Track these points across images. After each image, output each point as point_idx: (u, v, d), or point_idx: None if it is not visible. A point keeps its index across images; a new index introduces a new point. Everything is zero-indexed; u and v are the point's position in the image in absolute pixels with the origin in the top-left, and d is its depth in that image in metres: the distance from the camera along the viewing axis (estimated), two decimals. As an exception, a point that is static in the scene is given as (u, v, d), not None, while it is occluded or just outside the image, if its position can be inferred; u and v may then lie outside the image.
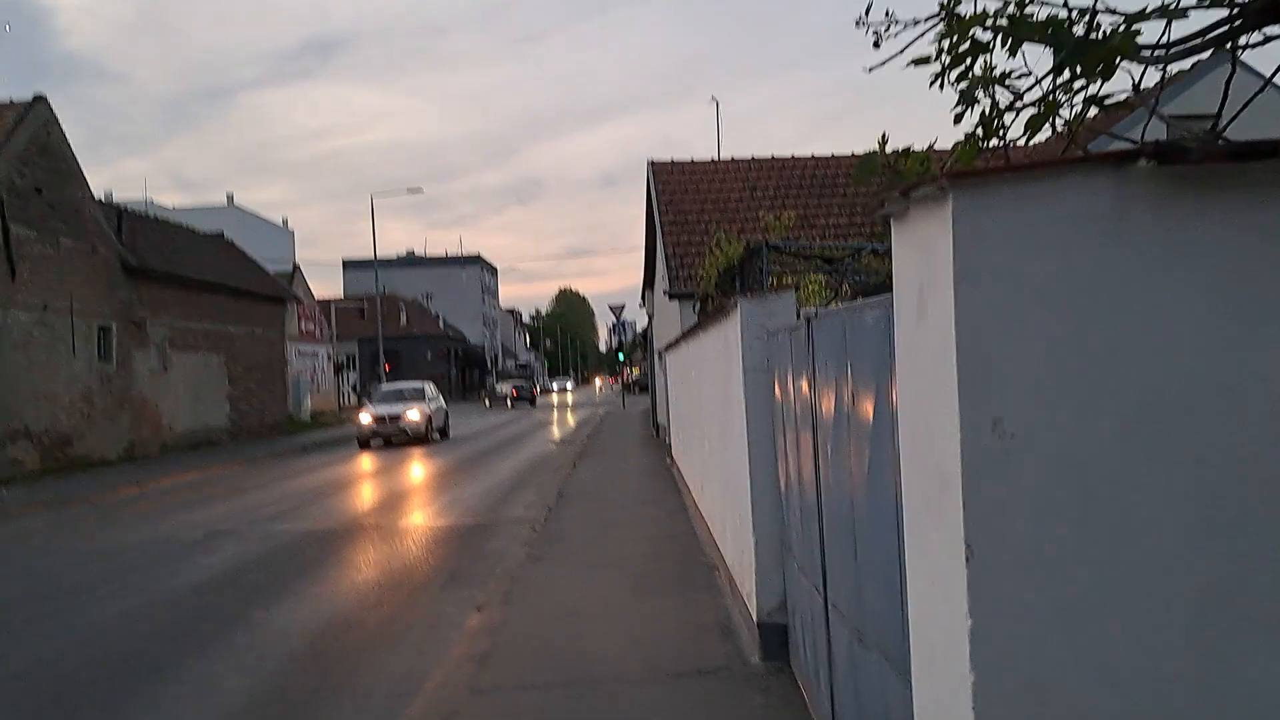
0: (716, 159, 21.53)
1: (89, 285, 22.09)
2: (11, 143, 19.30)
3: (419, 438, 25.62)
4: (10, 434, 18.93)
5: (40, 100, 20.79)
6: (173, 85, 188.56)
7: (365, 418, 25.80)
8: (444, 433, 28.18)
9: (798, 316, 5.10)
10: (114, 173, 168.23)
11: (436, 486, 16.65)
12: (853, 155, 21.32)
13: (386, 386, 29.81)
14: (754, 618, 5.55)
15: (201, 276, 27.93)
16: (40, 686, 6.30)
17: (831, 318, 3.49)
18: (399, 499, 15.13)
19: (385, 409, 26.01)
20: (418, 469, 19.87)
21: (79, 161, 21.83)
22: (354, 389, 63.43)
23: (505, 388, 60.95)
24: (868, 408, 2.96)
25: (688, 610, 6.93)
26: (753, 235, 11.07)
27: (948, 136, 2.98)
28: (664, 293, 18.40)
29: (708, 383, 8.16)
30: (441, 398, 29.37)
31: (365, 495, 15.93)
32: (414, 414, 25.69)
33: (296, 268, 47.33)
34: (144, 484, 18.19)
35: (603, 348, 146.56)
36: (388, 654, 6.59)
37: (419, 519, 12.90)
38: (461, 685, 5.55)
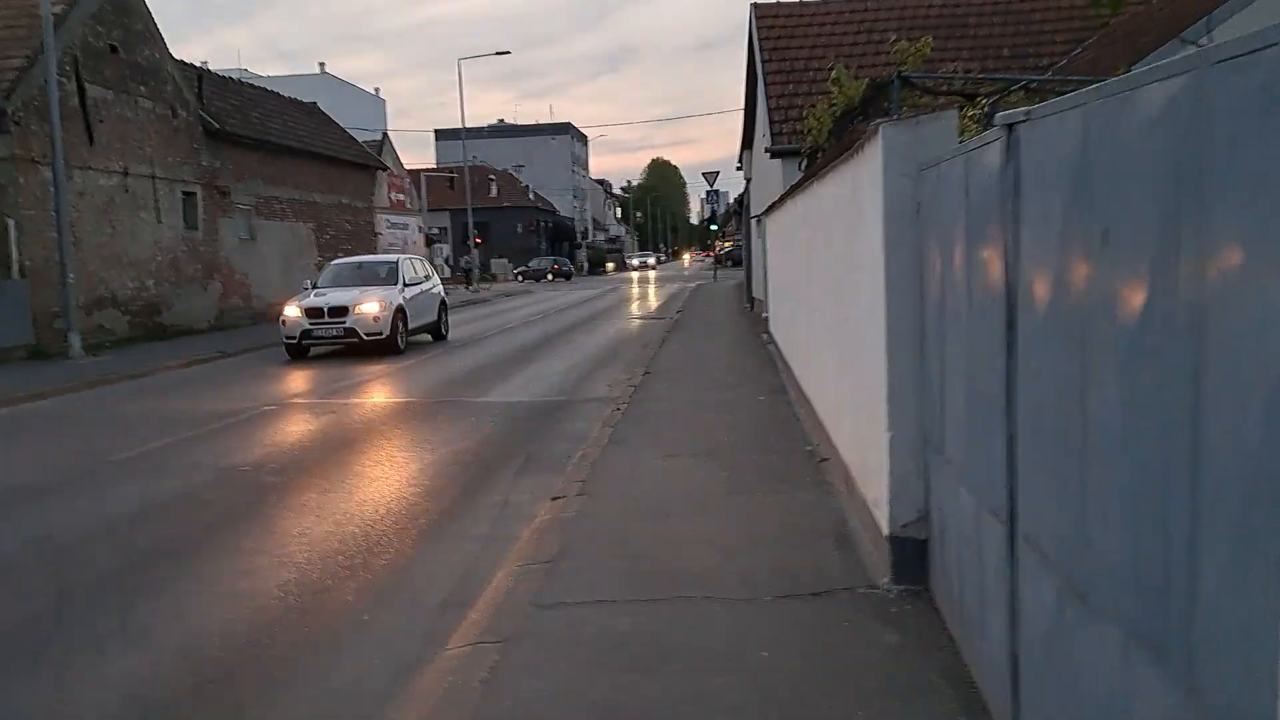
0: None
1: (171, 149, 21.56)
2: (83, 1, 18.48)
3: (377, 343, 16.48)
4: (96, 301, 18.80)
5: (112, -47, 19.84)
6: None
7: (292, 310, 16.66)
8: (435, 333, 19.16)
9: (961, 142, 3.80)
10: (213, 44, 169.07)
11: (514, 360, 15.86)
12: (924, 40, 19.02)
13: (340, 262, 20.09)
14: (883, 529, 4.45)
15: (287, 143, 27.26)
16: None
17: (1066, 115, 2.20)
18: (473, 376, 14.40)
19: (327, 298, 16.80)
20: (531, 331, 19.16)
21: (156, 21, 20.97)
22: (446, 261, 63.53)
23: (544, 263, 66.15)
24: (1140, 269, 1.75)
25: (794, 511, 5.87)
26: (875, 76, 9.50)
27: None
28: (765, 150, 16.81)
29: (822, 243, 6.88)
30: (436, 280, 20.18)
31: (439, 373, 15.25)
32: (369, 306, 16.47)
33: (386, 136, 46.49)
34: (228, 353, 17.94)
35: (694, 220, 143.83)
36: (447, 551, 5.76)
37: (496, 395, 12.10)
38: (525, 597, 4.65)
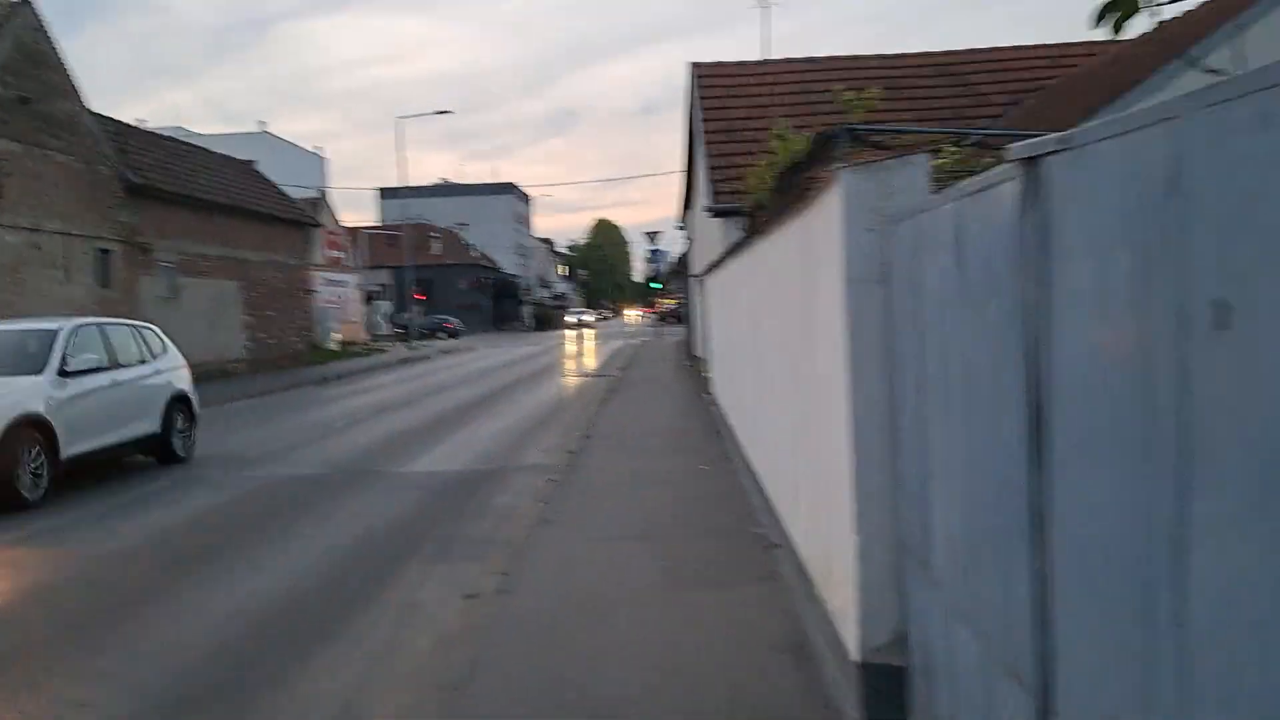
0: (766, 58, 19.22)
1: (86, 205, 20.45)
2: (-11, 46, 17.50)
3: None
4: (-3, 364, 17.49)
5: (24, 3, 18.92)
6: (213, 16, 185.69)
7: None
8: (160, 449, 11.60)
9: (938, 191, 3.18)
10: (155, 103, 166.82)
11: (445, 423, 14.97)
12: (928, 54, 18.91)
13: None
14: (851, 651, 3.72)
15: (214, 198, 26.20)
16: None
17: (1137, 138, 1.54)
18: (392, 443, 13.47)
19: None
20: (470, 390, 18.22)
21: (72, 73, 20.00)
22: (386, 318, 62.30)
23: (432, 320, 58.89)
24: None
25: (744, 614, 5.12)
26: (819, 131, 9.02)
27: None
28: (705, 210, 16.34)
29: (769, 306, 6.24)
30: (171, 361, 12.34)
31: (362, 438, 14.28)
32: None
33: (322, 194, 45.60)
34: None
35: (637, 278, 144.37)
36: (327, 674, 4.80)
37: (420, 465, 11.19)
38: (419, 736, 3.81)
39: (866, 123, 9.04)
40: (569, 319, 77.93)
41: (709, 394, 15.68)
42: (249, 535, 7.95)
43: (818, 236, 4.15)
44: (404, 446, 12.66)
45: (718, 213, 15.94)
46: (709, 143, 17.24)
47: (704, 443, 11.33)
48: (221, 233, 26.82)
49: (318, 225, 37.85)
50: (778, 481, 6.57)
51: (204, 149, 30.37)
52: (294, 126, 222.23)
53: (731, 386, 11.06)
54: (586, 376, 24.00)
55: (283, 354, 30.55)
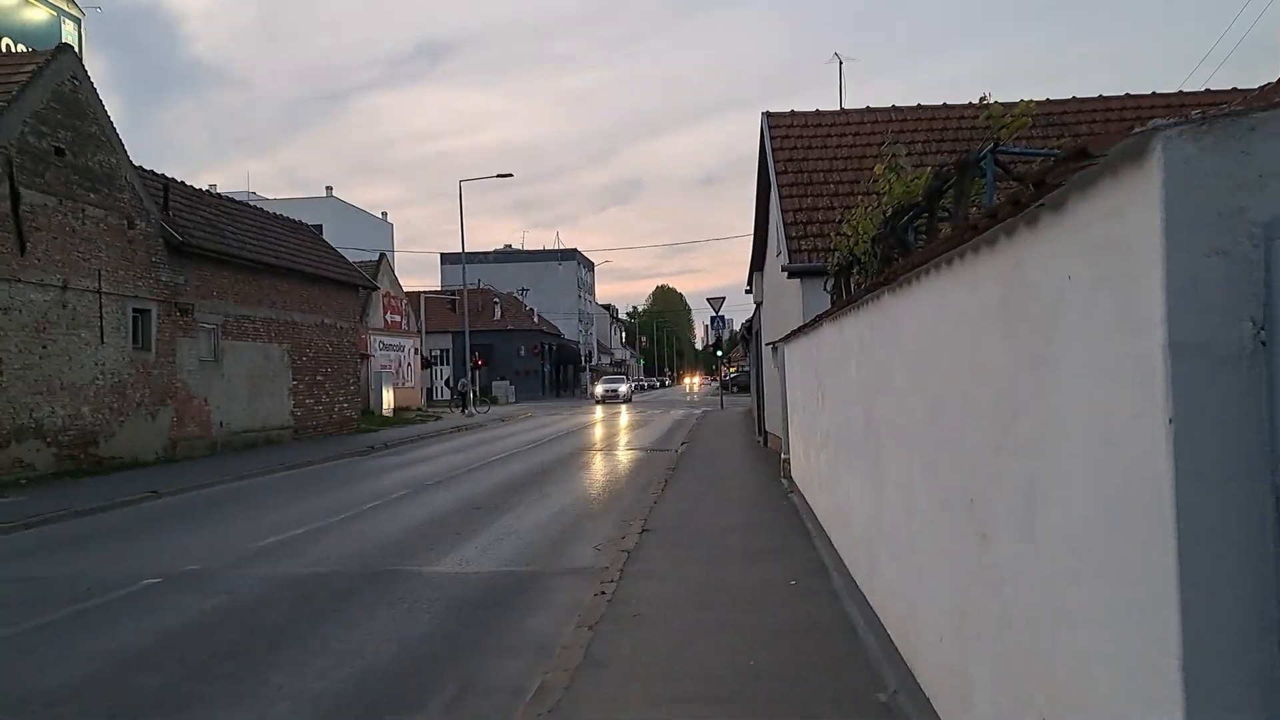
0: (843, 108, 17.61)
1: (123, 263, 19.51)
2: (26, 95, 16.72)
3: None
4: (16, 431, 16.35)
5: (65, 50, 18.27)
6: (290, 89, 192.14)
7: None
8: None
9: None
10: (231, 171, 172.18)
11: (485, 506, 13.23)
12: (1031, 101, 17.09)
13: None
14: None
15: (263, 259, 25.31)
16: None
17: None
18: (426, 533, 11.76)
19: None
20: (520, 464, 16.54)
21: (114, 123, 19.26)
22: (446, 383, 61.39)
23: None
24: None
25: None
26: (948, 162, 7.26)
27: None
28: (781, 270, 14.63)
29: (907, 384, 4.42)
30: None
31: (389, 525, 12.60)
32: None
33: (383, 256, 44.98)
34: (161, 493, 15.34)
35: (699, 345, 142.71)
36: None
37: (447, 563, 9.44)
38: None
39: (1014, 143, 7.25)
40: (598, 389, 57.73)
41: (788, 479, 13.74)
42: (212, 678, 6.25)
43: (1055, 274, 2.36)
44: (435, 536, 10.95)
45: (794, 273, 14.21)
46: (784, 196, 15.59)
47: (789, 545, 9.41)
48: (270, 294, 25.89)
49: (374, 288, 37.03)
50: (919, 621, 4.67)
51: (256, 207, 29.77)
52: (361, 194, 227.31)
53: (827, 479, 9.16)
54: (646, 450, 22.18)
55: (331, 420, 29.36)
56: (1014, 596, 2.89)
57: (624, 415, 40.85)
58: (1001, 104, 7.07)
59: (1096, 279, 2.12)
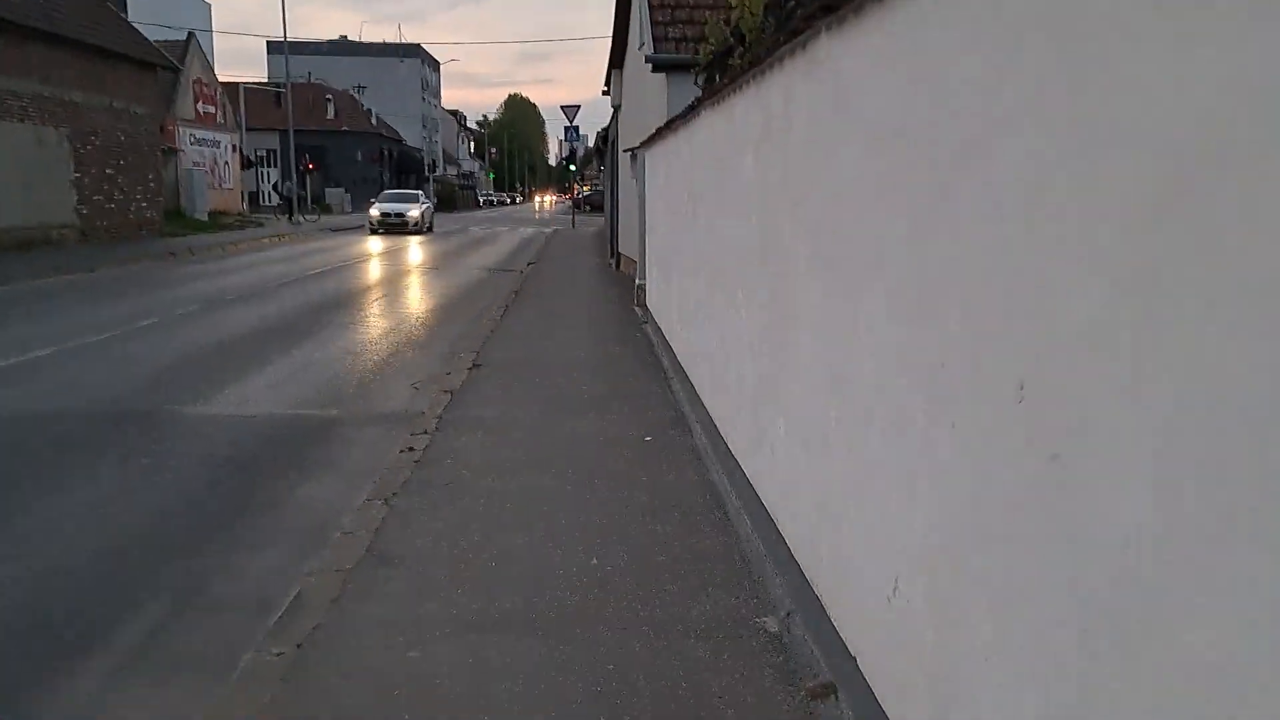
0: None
1: None
2: None
3: None
4: None
5: None
6: None
7: None
8: None
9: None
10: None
11: (286, 331, 11.22)
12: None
13: None
14: None
15: (26, 21, 20.96)
16: None
17: None
18: (232, 345, 9.72)
19: None
20: (340, 281, 14.34)
21: None
22: (274, 188, 56.21)
23: None
24: None
25: None
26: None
27: None
28: (645, 61, 12.60)
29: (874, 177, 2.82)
30: None
31: (166, 348, 10.46)
32: None
33: (191, 35, 39.27)
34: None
35: (552, 161, 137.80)
36: None
37: (221, 403, 7.56)
38: None
39: None
40: (373, 211, 34.46)
41: (642, 308, 12.28)
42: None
43: None
44: (219, 363, 8.96)
45: (661, 65, 12.26)
46: (653, -23, 13.35)
47: (641, 385, 8.00)
48: (42, 67, 21.69)
49: (177, 69, 32.31)
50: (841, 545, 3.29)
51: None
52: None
53: (690, 311, 7.67)
54: (487, 270, 20.25)
55: (128, 221, 25.76)
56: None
57: (470, 230, 38.25)
58: None
59: None
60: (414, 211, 33.92)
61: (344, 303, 13.87)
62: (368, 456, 6.08)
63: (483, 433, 6.40)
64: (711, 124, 5.98)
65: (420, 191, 35.31)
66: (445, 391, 7.72)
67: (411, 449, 6.05)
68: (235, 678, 3.25)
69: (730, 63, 7.45)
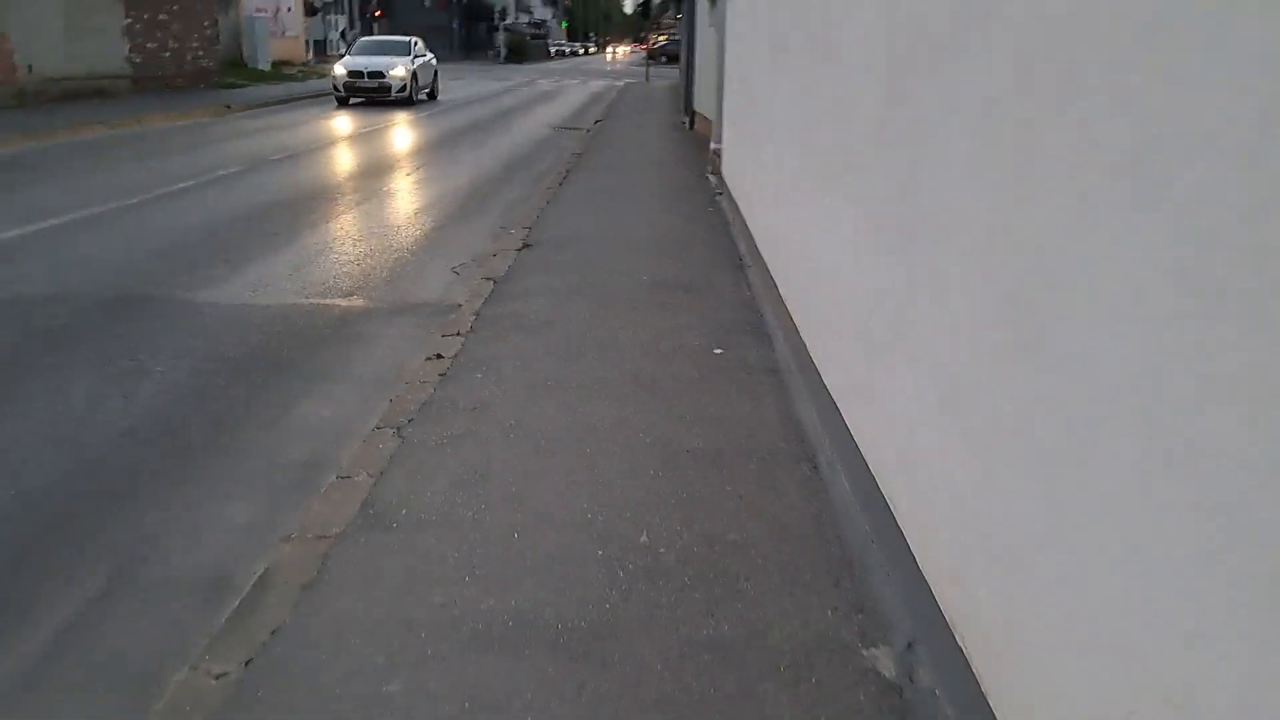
0: None
1: None
2: None
3: None
4: None
5: None
6: None
7: None
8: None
9: None
10: None
11: (326, 196, 10.24)
12: None
13: None
14: None
15: None
16: None
17: None
18: (260, 216, 8.81)
19: None
20: (391, 143, 13.28)
21: None
22: (342, 35, 54.51)
23: None
24: None
25: None
26: None
27: None
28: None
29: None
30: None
31: (191, 215, 9.57)
32: None
33: None
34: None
35: (628, 9, 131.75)
36: None
37: (237, 288, 6.66)
38: None
39: None
40: (338, 69, 22.81)
41: (716, 175, 10.97)
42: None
43: None
44: (243, 238, 8.06)
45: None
46: None
47: (715, 273, 6.86)
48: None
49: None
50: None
51: None
52: None
53: (777, 185, 6.43)
54: (554, 128, 18.88)
55: (182, 72, 24.79)
56: None
57: (537, 83, 36.39)
58: None
59: None
60: (398, 69, 22.58)
61: (391, 166, 12.80)
62: (388, 362, 5.14)
63: (524, 336, 5.39)
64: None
65: (414, 39, 24.69)
66: (487, 279, 6.70)
67: (440, 355, 5.09)
68: (149, 718, 2.38)
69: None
